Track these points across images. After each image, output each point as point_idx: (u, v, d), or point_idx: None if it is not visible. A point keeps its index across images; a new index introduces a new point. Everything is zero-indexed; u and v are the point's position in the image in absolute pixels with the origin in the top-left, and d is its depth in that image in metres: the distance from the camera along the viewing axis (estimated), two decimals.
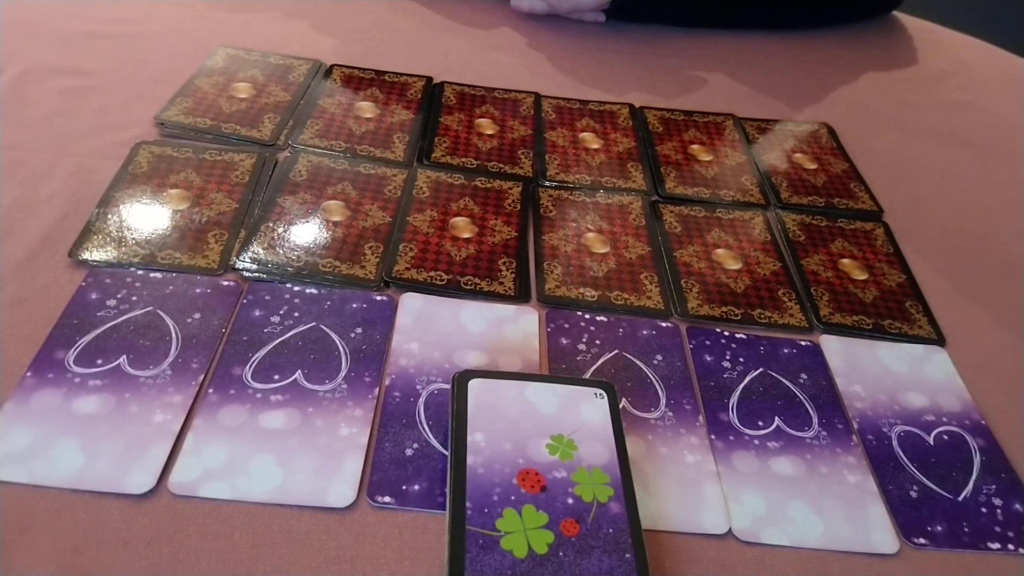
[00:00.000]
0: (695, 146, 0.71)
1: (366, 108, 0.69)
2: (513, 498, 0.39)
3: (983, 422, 0.50)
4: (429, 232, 0.57)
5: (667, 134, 0.72)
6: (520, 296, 0.54)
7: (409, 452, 0.43)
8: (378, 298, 0.52)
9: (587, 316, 0.53)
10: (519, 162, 0.66)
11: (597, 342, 0.51)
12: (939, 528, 0.44)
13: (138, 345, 0.46)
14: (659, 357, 0.51)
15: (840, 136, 0.76)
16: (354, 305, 0.51)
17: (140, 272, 0.51)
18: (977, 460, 0.48)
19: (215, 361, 0.47)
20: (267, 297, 0.51)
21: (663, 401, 0.49)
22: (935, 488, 0.46)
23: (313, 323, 0.50)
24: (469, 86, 0.75)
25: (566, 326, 0.52)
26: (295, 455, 0.42)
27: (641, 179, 0.66)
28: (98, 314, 0.48)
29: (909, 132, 0.79)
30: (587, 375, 0.49)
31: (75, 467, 0.40)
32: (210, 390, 0.45)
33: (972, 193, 0.72)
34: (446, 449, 0.43)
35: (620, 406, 0.46)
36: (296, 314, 0.50)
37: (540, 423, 0.42)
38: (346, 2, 0.85)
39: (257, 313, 0.50)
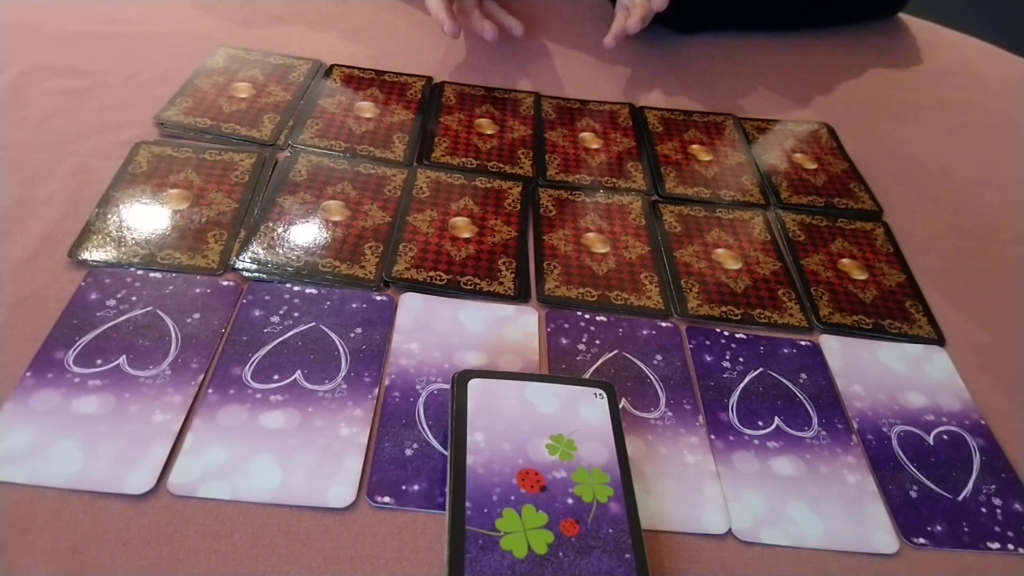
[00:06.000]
0: (695, 146, 0.71)
1: (366, 108, 0.69)
2: (513, 498, 0.39)
3: (983, 422, 0.50)
4: (429, 232, 0.57)
5: (667, 134, 0.72)
6: (520, 296, 0.54)
7: (409, 452, 0.43)
8: (378, 298, 0.52)
9: (587, 316, 0.53)
10: (519, 162, 0.66)
11: (597, 342, 0.51)
12: (939, 528, 0.44)
13: (138, 345, 0.46)
14: (659, 357, 0.51)
15: (840, 136, 0.76)
16: (354, 305, 0.51)
17: (140, 272, 0.51)
18: (977, 460, 0.48)
19: (215, 361, 0.47)
20: (267, 297, 0.51)
21: (663, 401, 0.48)
22: (935, 488, 0.46)
23: (313, 323, 0.50)
24: (469, 86, 0.75)
25: (566, 326, 0.52)
26: (295, 455, 0.42)
27: (641, 179, 0.66)
28: (98, 314, 0.48)
29: (909, 132, 0.79)
30: (587, 375, 0.49)
31: (75, 467, 0.40)
32: (210, 390, 0.45)
33: (972, 193, 0.72)
34: (446, 449, 0.43)
35: (620, 406, 0.46)
36: (296, 314, 0.50)
37: (540, 423, 0.42)
38: (346, 2, 0.85)
39: (257, 313, 0.50)
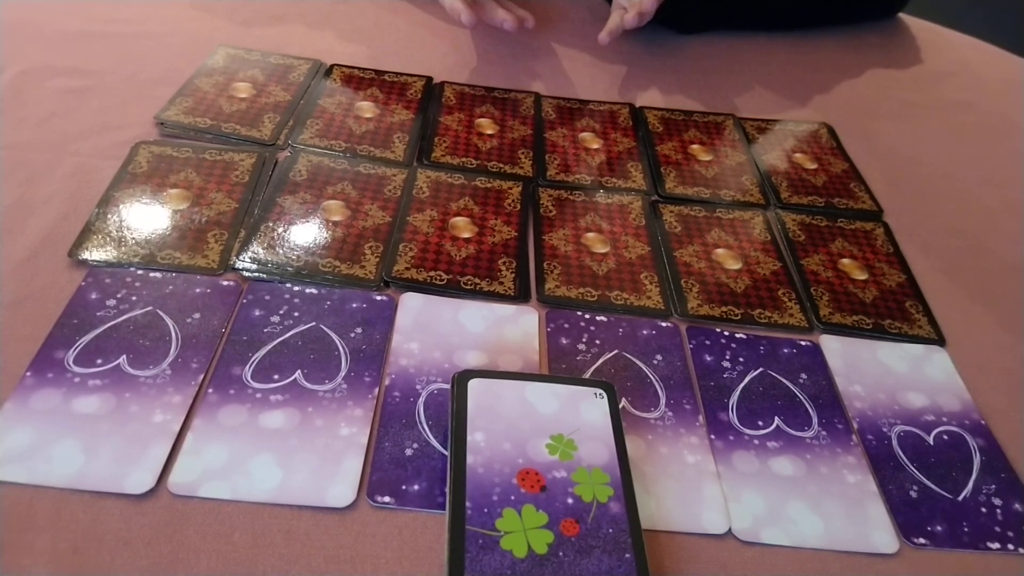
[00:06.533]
0: (695, 146, 0.71)
1: (366, 108, 0.69)
2: (513, 498, 0.39)
3: (983, 422, 0.50)
4: (429, 232, 0.57)
5: (667, 134, 0.72)
6: (520, 296, 0.54)
7: (409, 452, 0.43)
8: (378, 298, 0.52)
9: (587, 316, 0.53)
10: (519, 162, 0.66)
11: (597, 342, 0.51)
12: (939, 528, 0.44)
13: (138, 345, 0.46)
14: (659, 357, 0.51)
15: (840, 136, 0.76)
16: (354, 305, 0.51)
17: (140, 272, 0.51)
18: (977, 460, 0.48)
19: (215, 361, 0.47)
20: (267, 297, 0.51)
21: (663, 401, 0.49)
22: (935, 488, 0.46)
23: (313, 323, 0.50)
24: (469, 86, 0.75)
25: (566, 326, 0.52)
26: (295, 455, 0.42)
27: (641, 179, 0.66)
28: (98, 314, 0.48)
29: (909, 132, 0.79)
30: (587, 375, 0.49)
31: (75, 467, 0.40)
32: (210, 390, 0.45)
33: (972, 193, 0.72)
34: (446, 449, 0.43)
35: (620, 406, 0.46)
36: (296, 314, 0.50)
37: (540, 423, 0.42)
38: (346, 2, 0.85)
39: (257, 313, 0.50)
